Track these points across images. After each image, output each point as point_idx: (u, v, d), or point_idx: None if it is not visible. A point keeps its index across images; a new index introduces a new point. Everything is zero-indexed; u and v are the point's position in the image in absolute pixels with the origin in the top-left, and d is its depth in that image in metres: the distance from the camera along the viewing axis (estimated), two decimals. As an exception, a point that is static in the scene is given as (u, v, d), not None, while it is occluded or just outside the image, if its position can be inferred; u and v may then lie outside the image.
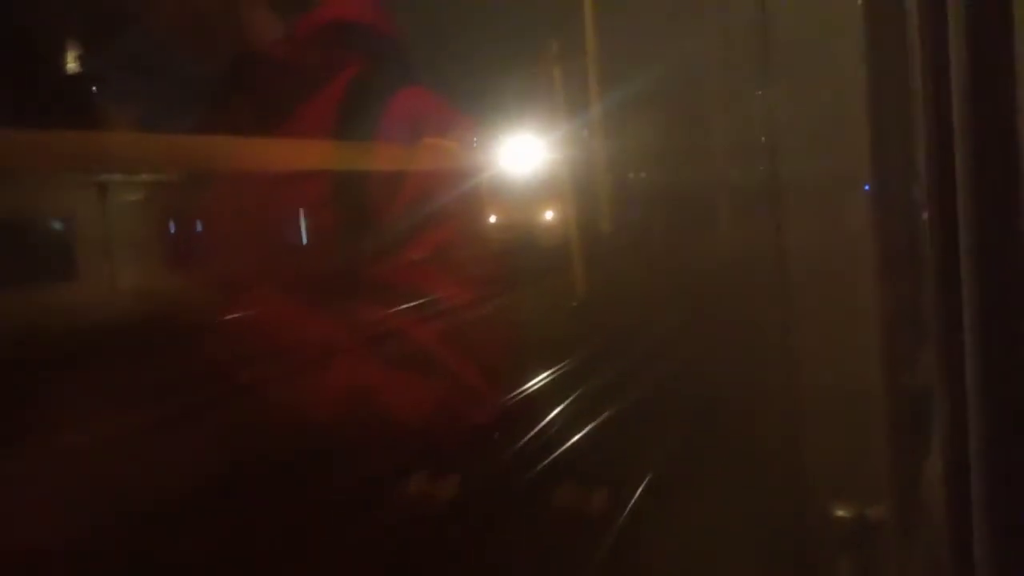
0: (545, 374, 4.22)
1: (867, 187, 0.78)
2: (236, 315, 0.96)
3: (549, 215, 7.58)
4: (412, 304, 1.00)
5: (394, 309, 0.99)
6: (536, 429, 3.42)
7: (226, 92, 1.12)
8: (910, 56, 0.65)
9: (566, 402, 3.75)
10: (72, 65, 0.99)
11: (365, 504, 0.99)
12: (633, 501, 2.79)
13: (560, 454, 3.26)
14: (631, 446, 3.26)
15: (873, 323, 0.77)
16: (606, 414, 3.66)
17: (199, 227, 1.10)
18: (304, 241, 1.04)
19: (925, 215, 0.63)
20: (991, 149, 0.55)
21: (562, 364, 4.39)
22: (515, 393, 3.73)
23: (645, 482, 2.89)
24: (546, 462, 3.13)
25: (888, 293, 0.75)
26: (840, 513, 0.89)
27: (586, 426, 3.52)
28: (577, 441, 3.40)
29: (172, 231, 1.09)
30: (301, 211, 1.04)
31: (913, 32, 0.61)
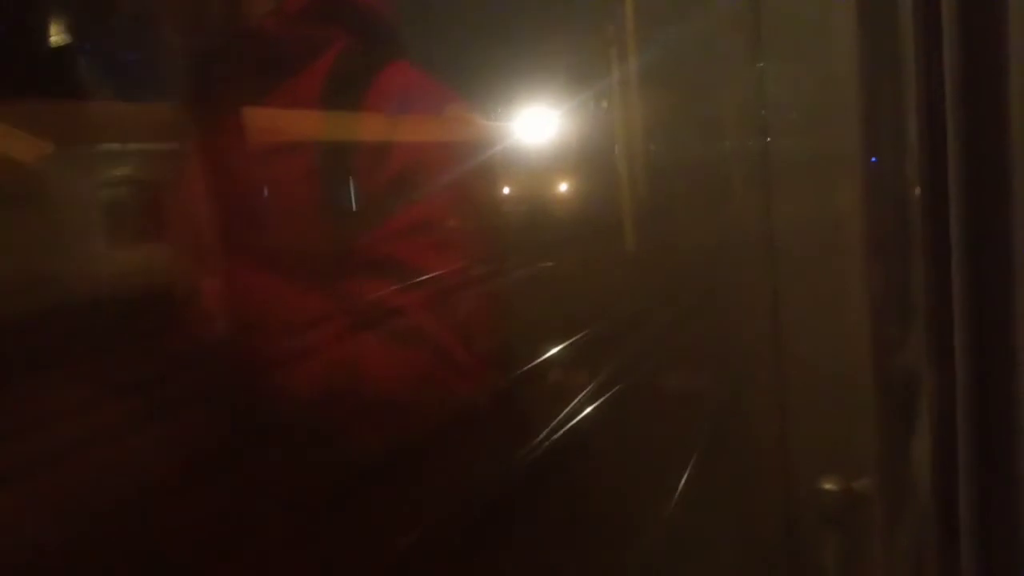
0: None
1: (874, 159, 0.77)
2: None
3: (564, 187, 7.63)
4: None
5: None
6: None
7: (216, 65, 1.11)
8: (902, 31, 0.64)
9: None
10: (62, 37, 0.98)
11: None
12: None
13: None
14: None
15: (862, 301, 0.77)
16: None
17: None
18: (353, 207, 1.08)
19: (916, 191, 0.63)
20: (983, 125, 0.55)
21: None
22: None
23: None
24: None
25: (877, 271, 0.75)
26: (828, 486, 0.90)
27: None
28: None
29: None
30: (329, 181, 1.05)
31: (905, 7, 0.61)
